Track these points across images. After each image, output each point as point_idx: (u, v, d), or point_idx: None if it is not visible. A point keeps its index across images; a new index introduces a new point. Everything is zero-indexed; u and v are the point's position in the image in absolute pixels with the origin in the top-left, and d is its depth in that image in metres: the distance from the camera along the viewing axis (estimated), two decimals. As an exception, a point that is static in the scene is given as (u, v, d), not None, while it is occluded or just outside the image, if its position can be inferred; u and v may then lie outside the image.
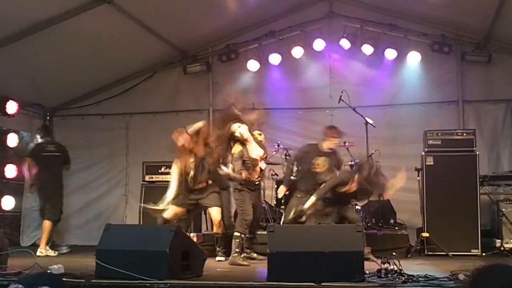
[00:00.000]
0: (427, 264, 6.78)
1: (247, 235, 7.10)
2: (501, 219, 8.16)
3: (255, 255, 7.36)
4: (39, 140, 9.20)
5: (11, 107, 7.03)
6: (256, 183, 7.24)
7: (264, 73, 10.61)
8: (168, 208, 7.28)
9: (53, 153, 9.03)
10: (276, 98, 10.45)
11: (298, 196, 7.58)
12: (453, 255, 7.63)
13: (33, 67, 9.30)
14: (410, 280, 4.81)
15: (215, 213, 7.43)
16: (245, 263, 6.79)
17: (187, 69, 10.82)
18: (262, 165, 7.26)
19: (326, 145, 7.66)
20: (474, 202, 8.00)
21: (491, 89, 10.01)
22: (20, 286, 2.51)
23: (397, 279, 4.80)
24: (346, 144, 8.94)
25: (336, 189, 7.14)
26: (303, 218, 7.06)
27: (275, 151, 8.96)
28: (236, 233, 6.95)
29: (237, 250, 6.87)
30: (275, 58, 10.40)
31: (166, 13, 9.25)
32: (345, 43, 10.12)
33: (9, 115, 7.12)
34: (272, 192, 8.94)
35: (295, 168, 8.61)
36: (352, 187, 7.06)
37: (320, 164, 7.38)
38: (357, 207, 8.73)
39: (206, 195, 7.48)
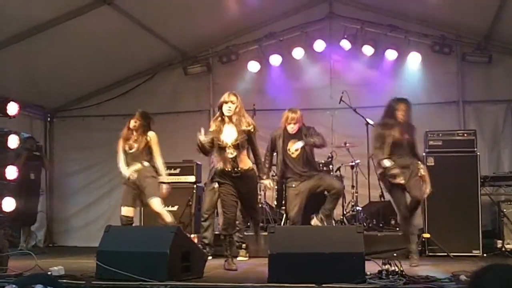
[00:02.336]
0: (428, 265, 6.76)
1: (226, 236, 6.52)
2: (502, 219, 8.14)
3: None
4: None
5: (12, 108, 7.00)
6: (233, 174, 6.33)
7: (264, 74, 10.62)
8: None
9: None
10: (276, 99, 10.46)
11: (293, 186, 7.10)
12: (454, 256, 7.62)
13: (34, 69, 9.31)
14: (411, 282, 4.81)
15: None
16: (232, 267, 6.33)
17: (187, 70, 10.83)
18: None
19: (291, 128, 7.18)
20: (475, 203, 7.98)
21: (492, 89, 10.01)
22: (14, 286, 2.53)
23: (398, 281, 4.79)
24: (347, 144, 8.95)
25: None
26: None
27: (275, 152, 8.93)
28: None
29: (224, 253, 6.54)
30: (275, 59, 10.41)
31: (166, 14, 9.25)
32: (345, 44, 10.13)
33: (10, 116, 7.10)
34: (273, 193, 8.93)
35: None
36: None
37: (292, 149, 7.12)
38: (357, 208, 8.75)
39: None
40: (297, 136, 7.15)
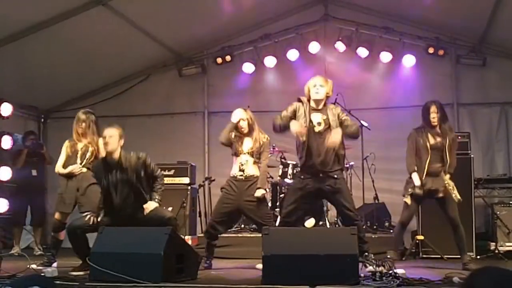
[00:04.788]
0: (421, 267, 6.78)
1: (208, 241, 6.72)
2: (495, 222, 8.18)
3: None
4: None
5: (5, 109, 6.98)
6: (239, 177, 6.59)
7: (259, 76, 10.63)
8: None
9: None
10: (271, 101, 10.46)
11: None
12: (447, 258, 7.63)
13: (28, 69, 9.28)
14: (404, 283, 4.82)
15: None
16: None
17: (182, 71, 10.82)
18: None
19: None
20: (469, 205, 7.98)
21: (486, 92, 10.05)
22: (9, 288, 2.51)
23: (391, 282, 4.79)
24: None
25: None
26: None
27: (270, 153, 8.93)
28: None
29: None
30: (270, 61, 10.42)
31: (161, 15, 9.24)
32: (340, 46, 10.16)
33: (3, 117, 7.08)
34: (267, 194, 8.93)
35: (290, 171, 8.61)
36: None
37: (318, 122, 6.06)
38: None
39: None
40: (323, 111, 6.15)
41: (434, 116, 6.61)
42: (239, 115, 6.58)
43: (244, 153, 6.58)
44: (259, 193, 6.48)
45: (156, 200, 6.11)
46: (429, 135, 6.63)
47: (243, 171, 6.54)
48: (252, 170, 6.58)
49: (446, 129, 6.66)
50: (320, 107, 6.11)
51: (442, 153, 6.58)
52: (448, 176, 6.53)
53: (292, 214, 6.14)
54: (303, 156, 6.03)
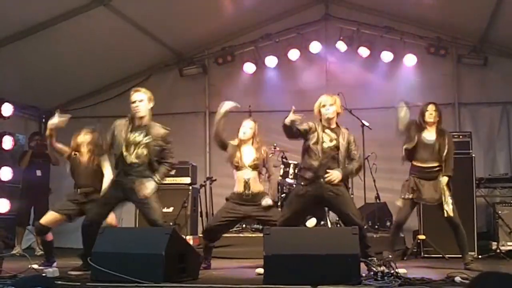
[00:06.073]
0: (423, 267, 6.78)
1: (207, 243, 6.69)
2: (497, 221, 8.17)
3: None
4: None
5: (7, 109, 7.03)
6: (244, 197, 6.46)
7: (260, 76, 10.63)
8: None
9: None
10: (272, 101, 10.46)
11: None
12: (449, 257, 7.62)
13: (29, 69, 9.28)
14: (406, 283, 4.81)
15: None
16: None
17: (183, 71, 10.82)
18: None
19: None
20: (470, 205, 7.99)
21: (487, 91, 10.05)
22: (12, 288, 2.51)
23: (393, 282, 4.78)
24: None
25: None
26: None
27: (272, 153, 8.94)
28: None
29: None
30: (271, 61, 10.43)
31: (162, 15, 9.25)
32: (341, 46, 10.16)
33: (5, 117, 7.12)
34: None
35: (291, 171, 8.59)
36: None
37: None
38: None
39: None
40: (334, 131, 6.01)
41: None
42: (228, 105, 6.42)
43: (247, 167, 6.43)
44: (265, 202, 6.38)
45: (157, 180, 5.82)
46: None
47: (248, 189, 6.40)
48: (257, 186, 6.48)
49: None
50: (333, 126, 6.03)
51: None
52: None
53: (290, 222, 5.95)
54: (305, 168, 5.95)
